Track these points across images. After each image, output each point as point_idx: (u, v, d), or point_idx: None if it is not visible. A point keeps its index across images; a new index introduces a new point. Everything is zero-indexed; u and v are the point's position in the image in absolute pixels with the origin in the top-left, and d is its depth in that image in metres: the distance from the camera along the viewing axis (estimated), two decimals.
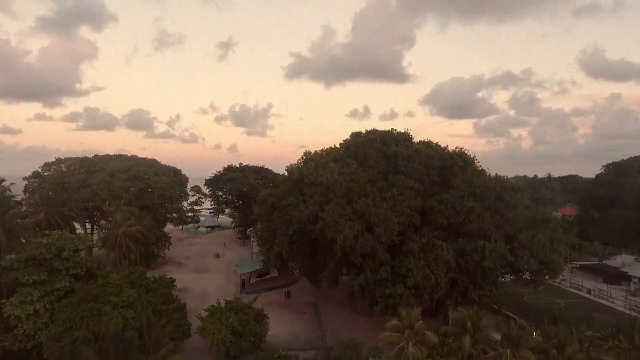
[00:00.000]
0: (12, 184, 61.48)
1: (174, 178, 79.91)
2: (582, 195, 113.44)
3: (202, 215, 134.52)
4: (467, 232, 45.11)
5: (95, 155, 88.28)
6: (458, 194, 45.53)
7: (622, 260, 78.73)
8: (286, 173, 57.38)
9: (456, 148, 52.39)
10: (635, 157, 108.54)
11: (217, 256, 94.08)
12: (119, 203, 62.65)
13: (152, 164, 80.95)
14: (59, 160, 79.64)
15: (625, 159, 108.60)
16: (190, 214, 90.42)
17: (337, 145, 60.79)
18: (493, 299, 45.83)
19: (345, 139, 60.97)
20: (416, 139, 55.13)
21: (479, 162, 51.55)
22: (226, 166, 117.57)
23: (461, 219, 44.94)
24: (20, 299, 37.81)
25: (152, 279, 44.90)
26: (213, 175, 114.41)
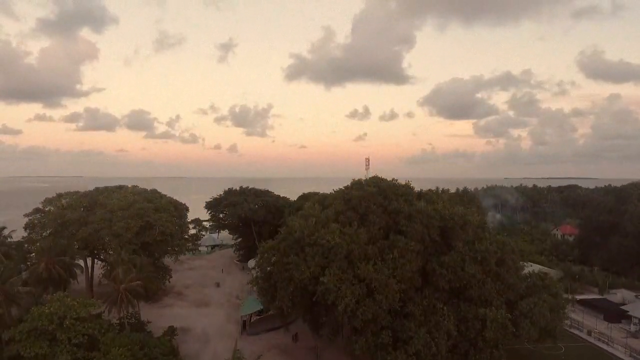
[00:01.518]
0: (13, 230, 61.68)
1: (175, 213, 79.87)
2: (583, 221, 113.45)
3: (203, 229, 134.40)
4: (468, 297, 45.18)
5: (96, 188, 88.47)
6: (459, 257, 45.50)
7: (622, 296, 78.92)
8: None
9: (455, 209, 51.93)
10: (635, 182, 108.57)
11: (218, 285, 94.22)
12: (119, 249, 62.61)
13: (152, 197, 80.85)
14: (59, 195, 79.68)
15: (626, 184, 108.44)
16: (190, 245, 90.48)
17: (338, 190, 60.98)
18: None
19: (345, 185, 61.00)
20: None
21: (480, 223, 51.46)
22: (226, 189, 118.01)
23: (462, 284, 45.01)
24: None
25: (152, 343, 44.89)
26: (212, 198, 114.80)
